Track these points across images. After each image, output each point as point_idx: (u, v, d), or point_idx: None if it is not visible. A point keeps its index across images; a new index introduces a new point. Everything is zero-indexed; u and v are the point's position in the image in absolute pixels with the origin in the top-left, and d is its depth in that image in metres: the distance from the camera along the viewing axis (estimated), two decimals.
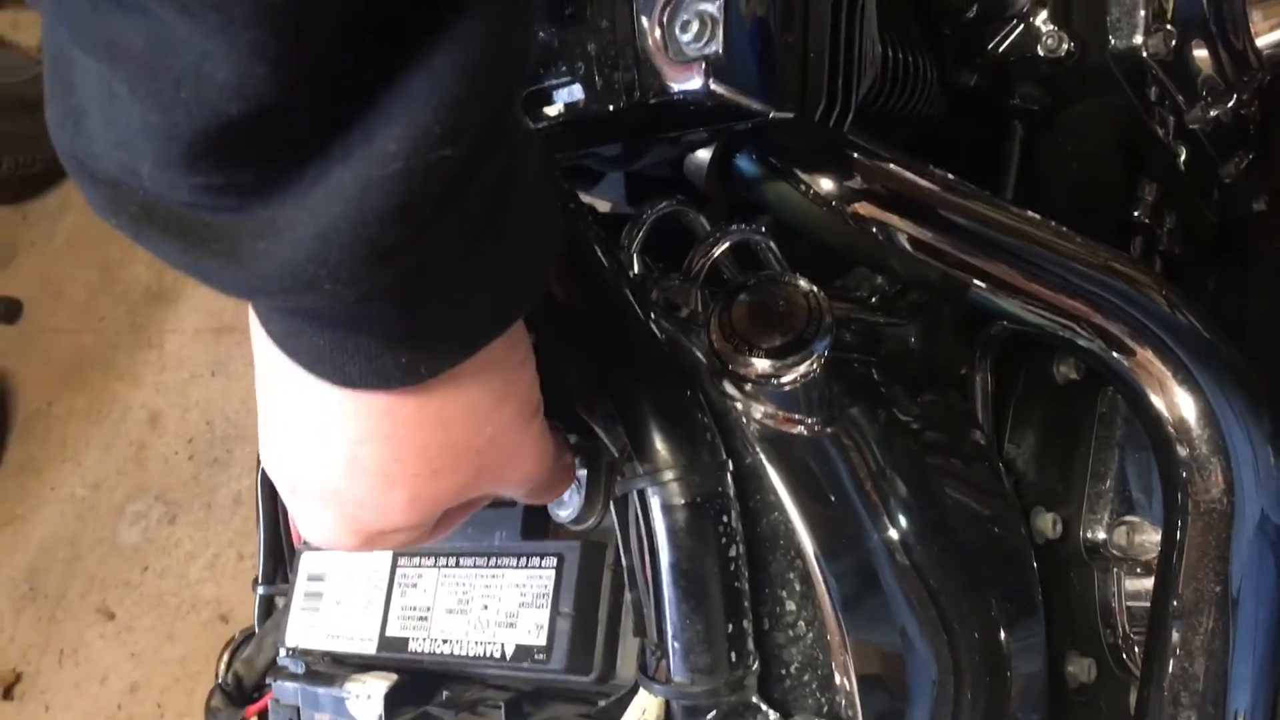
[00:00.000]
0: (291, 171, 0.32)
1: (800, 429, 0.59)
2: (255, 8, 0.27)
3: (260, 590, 0.79)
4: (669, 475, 0.53)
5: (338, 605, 0.68)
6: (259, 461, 0.81)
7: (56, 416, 2.48)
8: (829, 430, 0.60)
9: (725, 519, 0.53)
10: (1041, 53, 0.83)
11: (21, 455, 2.47)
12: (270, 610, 0.79)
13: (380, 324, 0.38)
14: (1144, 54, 0.81)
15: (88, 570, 2.24)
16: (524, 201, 0.41)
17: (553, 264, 0.45)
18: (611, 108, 0.63)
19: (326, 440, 0.43)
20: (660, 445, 0.54)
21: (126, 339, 2.46)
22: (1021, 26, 0.83)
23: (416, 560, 0.65)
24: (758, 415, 0.57)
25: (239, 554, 2.07)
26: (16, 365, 2.59)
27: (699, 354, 0.59)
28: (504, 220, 0.40)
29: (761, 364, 0.55)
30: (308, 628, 0.69)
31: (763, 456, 0.57)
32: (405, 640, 0.64)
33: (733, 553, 0.53)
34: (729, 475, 0.55)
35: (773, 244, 0.67)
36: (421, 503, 0.45)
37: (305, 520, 0.48)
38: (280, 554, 0.79)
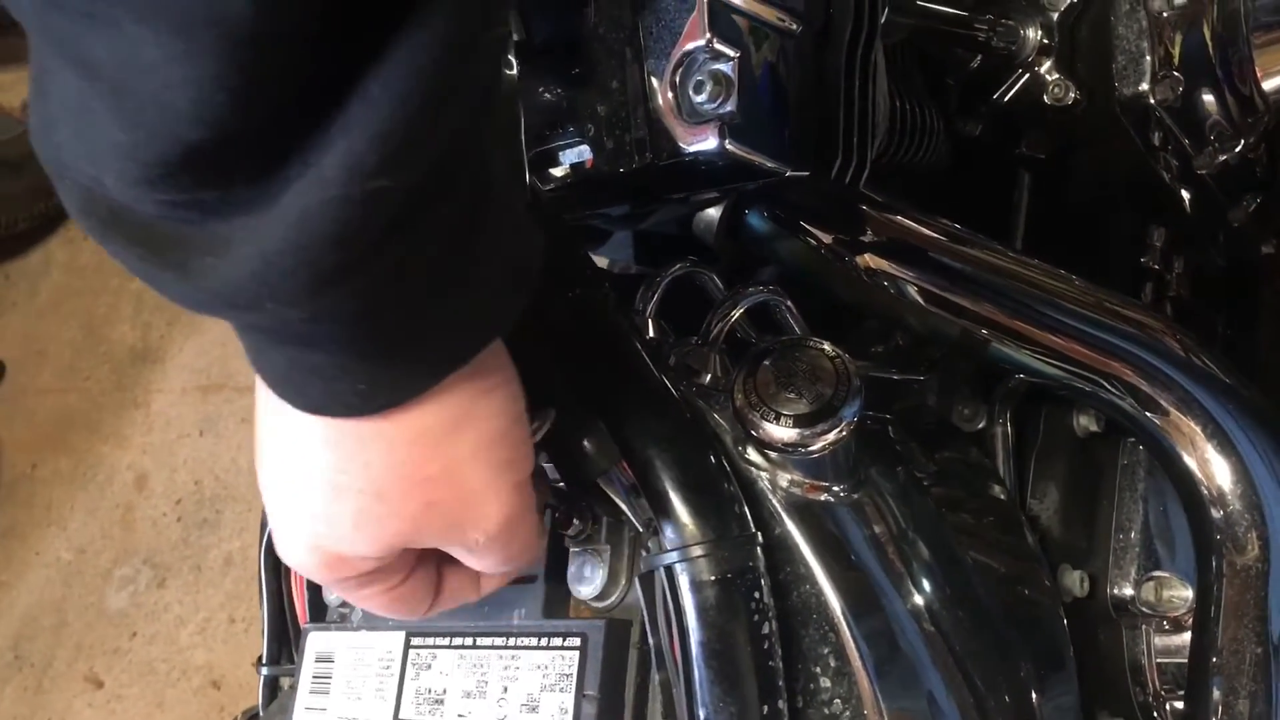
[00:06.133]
0: (249, 193, 0.33)
1: (827, 496, 0.57)
2: (220, 39, 0.29)
3: (264, 671, 0.76)
4: (697, 550, 0.51)
5: (348, 687, 0.65)
6: (261, 533, 0.78)
7: (41, 479, 2.43)
8: (855, 497, 0.58)
9: (757, 594, 0.51)
10: (1048, 101, 0.82)
11: (5, 520, 2.42)
12: (275, 692, 0.76)
13: (336, 348, 0.39)
14: (1151, 101, 0.81)
15: (74, 637, 2.19)
16: (494, 236, 0.41)
17: (523, 300, 0.44)
18: (621, 169, 0.62)
19: (285, 450, 0.45)
20: (687, 518, 0.52)
21: (112, 399, 2.42)
22: (1027, 76, 0.83)
23: (431, 640, 0.62)
24: (784, 483, 0.56)
25: (230, 617, 2.02)
26: None
27: (722, 421, 0.57)
28: (471, 255, 0.40)
29: (789, 432, 0.53)
30: (316, 712, 0.67)
31: (791, 527, 0.55)
32: None
33: (765, 629, 0.51)
34: (759, 548, 0.53)
35: (790, 304, 0.65)
36: (370, 525, 0.45)
37: (276, 534, 0.48)
38: (285, 634, 0.76)
